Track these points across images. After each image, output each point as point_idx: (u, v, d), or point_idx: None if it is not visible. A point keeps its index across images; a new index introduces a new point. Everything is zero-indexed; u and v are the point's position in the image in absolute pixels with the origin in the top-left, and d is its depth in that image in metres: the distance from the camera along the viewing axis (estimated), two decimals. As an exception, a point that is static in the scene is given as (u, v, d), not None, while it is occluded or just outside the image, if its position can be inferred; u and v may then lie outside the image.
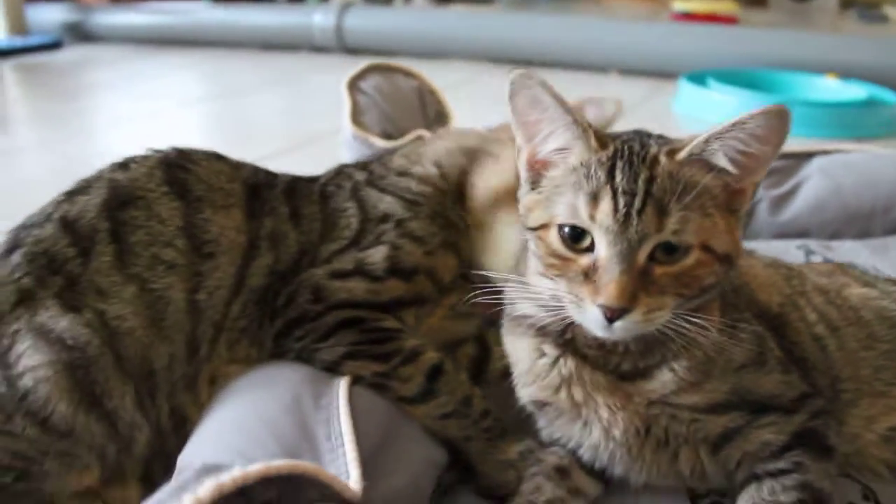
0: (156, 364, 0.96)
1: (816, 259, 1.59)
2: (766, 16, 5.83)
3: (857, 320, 1.02)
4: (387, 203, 1.11)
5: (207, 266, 1.01)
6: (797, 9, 6.18)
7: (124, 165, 1.07)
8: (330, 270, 1.04)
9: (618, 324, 0.77)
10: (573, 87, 3.65)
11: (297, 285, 1.03)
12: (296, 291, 1.03)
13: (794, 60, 3.26)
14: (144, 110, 3.25)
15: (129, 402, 0.93)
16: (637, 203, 0.77)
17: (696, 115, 2.96)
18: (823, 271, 1.13)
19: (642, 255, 0.77)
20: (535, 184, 0.87)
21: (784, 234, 1.71)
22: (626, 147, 0.81)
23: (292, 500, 0.72)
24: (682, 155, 0.80)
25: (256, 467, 0.67)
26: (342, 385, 0.94)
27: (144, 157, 1.08)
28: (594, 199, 0.78)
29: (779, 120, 0.77)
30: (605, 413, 0.86)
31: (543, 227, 0.83)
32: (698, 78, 3.08)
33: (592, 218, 0.78)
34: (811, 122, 2.67)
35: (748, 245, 1.66)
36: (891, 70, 3.24)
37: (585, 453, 0.92)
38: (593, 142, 0.82)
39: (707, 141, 0.79)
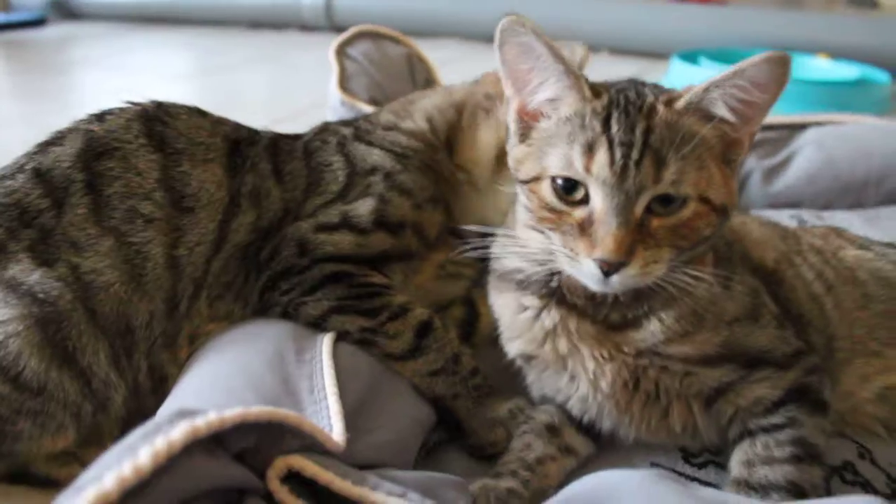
0: (134, 321, 0.93)
1: (809, 228, 1.57)
2: None
3: (852, 280, 1.01)
4: (375, 156, 1.08)
5: (187, 221, 0.98)
6: (788, -7, 6.16)
7: (101, 117, 1.03)
8: (315, 224, 1.01)
9: (614, 277, 0.75)
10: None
11: (282, 239, 1.00)
12: (280, 245, 1.00)
13: (786, 41, 3.23)
14: (129, 86, 3.19)
15: (104, 360, 0.90)
16: (634, 154, 0.74)
17: (688, 93, 2.93)
18: (818, 234, 1.11)
19: (639, 208, 0.75)
20: (524, 135, 0.84)
21: (776, 204, 1.69)
22: (621, 96, 0.79)
23: (271, 450, 0.69)
24: (680, 104, 0.78)
25: (233, 412, 0.64)
26: (326, 340, 0.92)
27: (122, 110, 1.04)
28: (589, 150, 0.75)
29: (780, 67, 0.75)
30: (591, 364, 0.84)
31: (535, 179, 0.80)
32: (690, 57, 3.04)
33: (588, 170, 0.75)
34: (804, 101, 2.64)
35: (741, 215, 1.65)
36: (881, 51, 3.22)
37: (574, 406, 0.90)
38: (587, 91, 0.79)
39: (707, 89, 0.77)
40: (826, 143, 1.71)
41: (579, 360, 0.85)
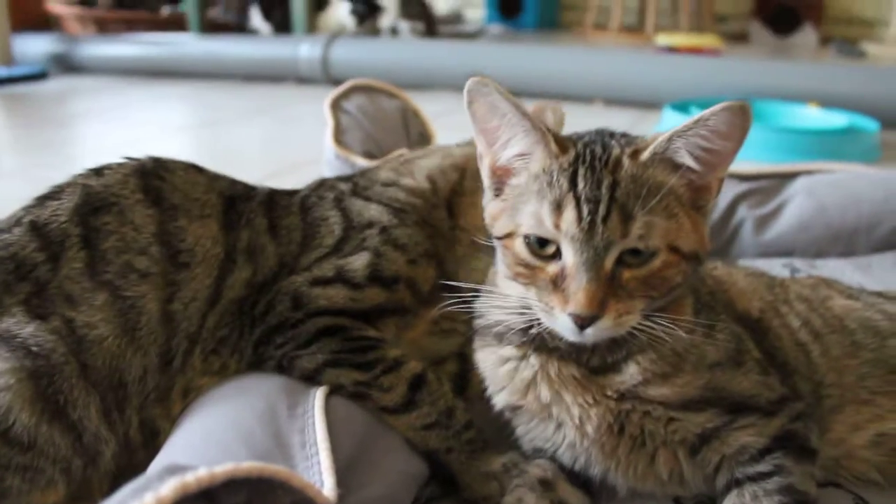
0: (127, 375, 0.94)
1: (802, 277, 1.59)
2: (748, 50, 5.94)
3: (840, 328, 1.02)
4: (373, 210, 1.10)
5: (183, 276, 0.99)
6: (778, 44, 6.31)
7: (98, 171, 1.05)
8: (310, 278, 1.03)
9: (589, 330, 0.77)
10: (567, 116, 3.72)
11: (277, 293, 1.02)
12: (275, 299, 1.01)
13: (777, 90, 3.30)
14: (129, 138, 3.25)
15: (94, 414, 0.90)
16: (601, 210, 0.77)
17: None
18: (807, 283, 1.13)
19: (609, 262, 0.77)
20: (498, 191, 0.87)
21: (769, 253, 1.71)
22: (587, 151, 0.81)
23: (260, 508, 0.69)
24: (645, 156, 0.80)
25: (223, 468, 0.64)
26: (318, 394, 0.93)
27: (120, 164, 1.06)
28: (558, 207, 0.78)
29: (740, 115, 0.77)
30: (576, 410, 0.85)
31: (509, 235, 0.83)
32: (682, 107, 3.11)
33: (557, 227, 0.78)
34: (794, 149, 2.70)
35: (738, 263, 1.67)
36: (869, 99, 3.29)
37: (563, 455, 0.90)
38: (553, 146, 0.82)
39: (670, 139, 0.80)
40: (817, 191, 1.74)
41: (564, 407, 0.86)
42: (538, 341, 0.87)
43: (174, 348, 0.97)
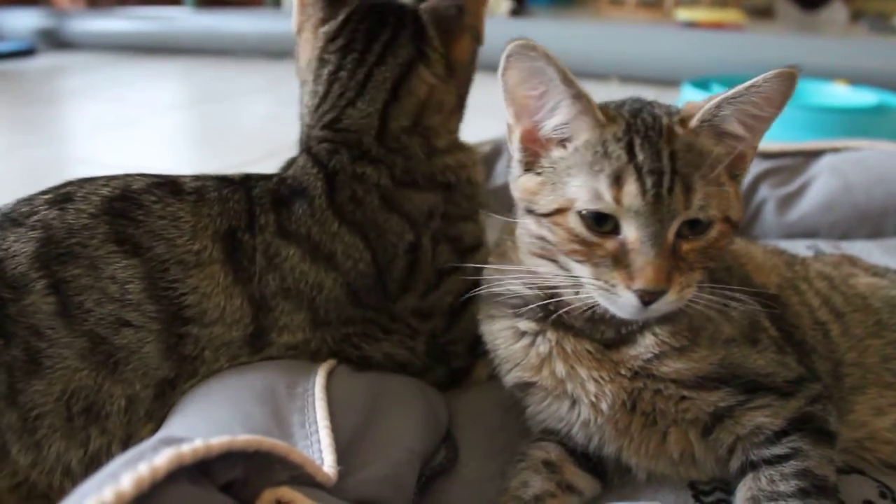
0: (106, 408, 0.92)
1: (826, 259, 1.59)
2: (773, 26, 5.90)
3: (864, 307, 1.02)
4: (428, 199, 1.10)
5: (195, 331, 0.95)
6: (805, 20, 6.26)
7: (62, 204, 0.96)
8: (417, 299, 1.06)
9: (653, 306, 0.78)
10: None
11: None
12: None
13: (804, 68, 3.27)
14: (121, 117, 3.26)
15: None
16: (666, 182, 0.77)
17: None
18: (830, 261, 1.14)
19: (671, 234, 0.78)
20: (530, 164, 0.86)
21: (792, 234, 1.71)
22: (638, 120, 0.81)
23: (259, 481, 0.71)
24: (693, 123, 0.81)
25: (220, 440, 0.66)
26: (320, 373, 0.94)
27: (85, 198, 0.96)
28: (617, 180, 0.77)
29: (789, 81, 0.80)
30: (591, 386, 0.86)
31: (559, 211, 0.81)
32: (702, 84, 3.09)
33: (618, 201, 0.77)
34: (822, 128, 2.68)
35: (760, 243, 1.67)
36: (903, 77, 3.26)
37: (577, 434, 0.91)
38: (600, 115, 0.81)
39: (719, 106, 0.80)
40: (843, 170, 1.73)
41: (579, 383, 0.87)
42: (555, 317, 0.87)
43: (181, 378, 0.95)
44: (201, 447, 0.64)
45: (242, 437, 0.68)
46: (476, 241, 1.12)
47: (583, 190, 0.79)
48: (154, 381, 0.93)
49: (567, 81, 0.80)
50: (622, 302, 0.78)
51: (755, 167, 1.77)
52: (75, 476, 0.91)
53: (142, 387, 0.93)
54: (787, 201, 1.73)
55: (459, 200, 1.11)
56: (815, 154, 1.79)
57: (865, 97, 3.03)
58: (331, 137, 1.08)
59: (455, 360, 1.11)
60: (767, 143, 1.83)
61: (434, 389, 1.08)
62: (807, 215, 1.71)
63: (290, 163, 1.09)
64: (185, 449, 0.63)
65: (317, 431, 0.82)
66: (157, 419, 0.94)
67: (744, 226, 1.73)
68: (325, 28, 1.11)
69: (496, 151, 1.72)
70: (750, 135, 0.83)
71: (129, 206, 0.96)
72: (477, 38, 1.16)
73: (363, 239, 1.03)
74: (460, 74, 1.15)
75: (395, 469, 0.86)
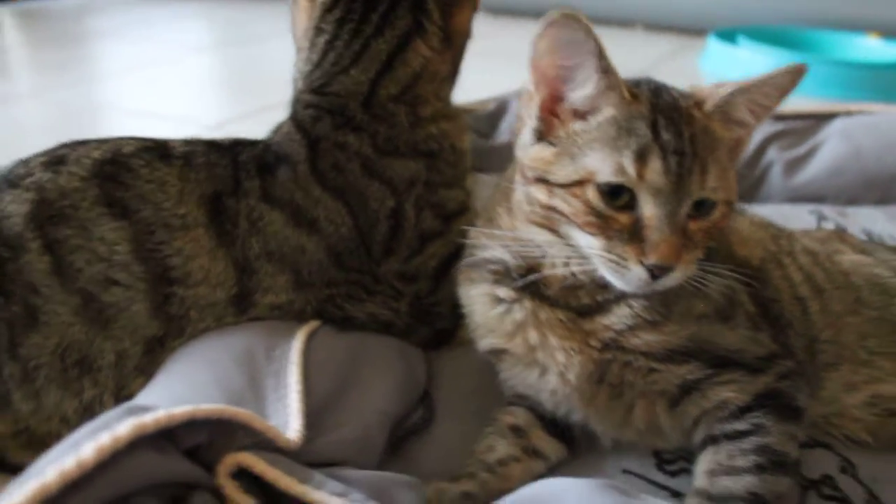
0: (98, 361, 0.95)
1: (829, 225, 1.57)
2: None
3: (845, 284, 1.02)
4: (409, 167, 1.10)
5: (181, 292, 0.98)
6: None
7: (55, 166, 0.99)
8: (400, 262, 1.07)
9: (661, 281, 0.80)
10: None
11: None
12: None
13: (834, 18, 3.16)
14: (148, 58, 3.27)
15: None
16: (686, 163, 0.80)
17: (725, 74, 2.90)
18: (818, 237, 1.12)
19: (684, 213, 0.81)
20: (543, 134, 0.86)
21: (797, 198, 1.69)
22: (660, 101, 0.83)
23: (224, 446, 0.74)
24: (708, 107, 0.84)
25: (183, 409, 0.69)
26: (299, 335, 0.96)
27: (77, 161, 0.99)
28: (641, 157, 0.79)
29: (800, 77, 0.84)
30: (561, 356, 0.88)
31: (578, 183, 0.82)
32: (728, 35, 3.00)
33: (641, 177, 0.79)
34: (846, 84, 2.60)
35: (759, 208, 1.65)
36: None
37: (547, 401, 0.93)
38: (626, 92, 0.82)
39: (733, 94, 0.84)
40: (854, 134, 1.69)
41: (549, 352, 0.88)
42: (533, 286, 0.89)
43: (169, 336, 0.98)
44: (163, 417, 0.67)
45: (205, 407, 0.71)
46: (460, 206, 1.12)
47: (605, 163, 0.80)
48: (143, 338, 0.97)
49: (601, 56, 0.81)
50: (631, 275, 0.80)
51: (764, 129, 1.74)
52: (71, 423, 0.95)
53: (131, 343, 0.96)
54: (795, 165, 1.70)
55: (443, 168, 1.11)
56: (826, 117, 1.75)
57: (897, 51, 2.92)
58: (316, 102, 1.09)
59: (439, 321, 1.13)
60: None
61: (416, 349, 1.10)
62: (814, 180, 1.68)
63: (277, 128, 1.10)
64: (148, 419, 0.66)
65: (286, 396, 0.85)
66: (147, 373, 0.97)
67: (749, 189, 1.71)
68: None
69: (501, 109, 1.71)
70: (755, 122, 0.87)
71: (118, 169, 0.99)
72: (475, 8, 1.14)
73: (345, 204, 1.05)
74: (457, 44, 1.14)
75: (365, 431, 0.89)
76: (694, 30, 3.49)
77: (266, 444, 0.75)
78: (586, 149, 0.82)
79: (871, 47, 2.99)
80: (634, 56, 3.16)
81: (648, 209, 0.80)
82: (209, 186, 1.01)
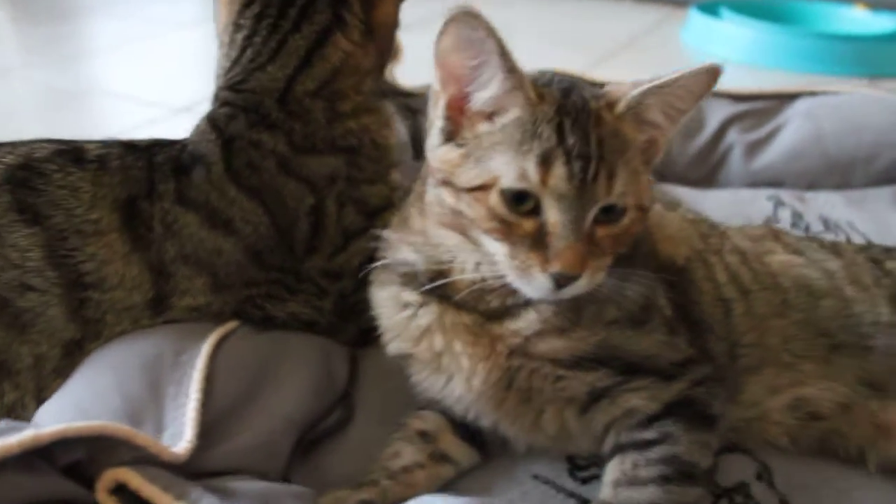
0: (16, 364, 0.93)
1: (785, 212, 1.54)
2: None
3: (773, 286, 0.99)
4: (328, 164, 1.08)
5: (96, 297, 0.96)
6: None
7: None
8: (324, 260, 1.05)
9: (566, 289, 0.77)
10: (581, 13, 3.53)
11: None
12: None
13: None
14: (137, 34, 3.21)
15: None
16: (592, 168, 0.76)
17: (706, 47, 2.83)
18: (752, 235, 1.09)
19: (589, 219, 0.78)
20: (452, 134, 0.83)
21: (757, 182, 1.65)
22: (569, 102, 0.80)
23: (105, 461, 0.73)
24: (619, 109, 0.81)
25: (51, 429, 0.68)
26: (208, 340, 0.95)
27: None
28: (544, 161, 0.76)
29: (714, 77, 0.80)
30: (466, 362, 0.86)
31: (482, 188, 0.79)
32: (710, 8, 2.92)
33: (544, 183, 0.76)
34: (830, 58, 2.53)
35: (717, 193, 1.62)
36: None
37: (454, 406, 0.92)
38: (532, 93, 0.79)
39: (645, 94, 0.80)
40: (816, 115, 1.65)
41: (454, 358, 0.87)
42: (440, 290, 0.86)
43: (86, 339, 0.96)
44: (28, 439, 0.66)
45: (77, 425, 0.70)
46: (384, 202, 1.10)
47: (509, 168, 0.77)
48: (60, 342, 0.96)
49: (504, 56, 0.77)
50: (536, 283, 0.77)
51: (726, 109, 1.70)
52: None
53: (49, 346, 0.95)
54: (755, 147, 1.67)
55: (364, 164, 1.08)
56: (790, 97, 1.70)
57: (886, 23, 2.83)
58: (232, 100, 1.06)
59: (364, 319, 1.11)
60: (742, 83, 1.76)
61: (340, 348, 1.09)
62: (774, 163, 1.65)
63: (196, 127, 1.08)
64: (12, 441, 0.66)
65: (185, 405, 0.84)
66: (65, 375, 0.96)
67: (708, 172, 1.68)
68: None
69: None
70: (669, 124, 0.83)
71: (30, 175, 0.97)
72: None
73: (261, 204, 1.02)
74: (381, 36, 1.11)
75: (269, 437, 0.88)
76: (677, 1, 3.39)
77: (150, 458, 0.74)
78: (491, 152, 0.79)
79: (858, 19, 2.90)
80: (619, 26, 3.09)
81: (552, 215, 0.76)
82: (123, 191, 0.99)
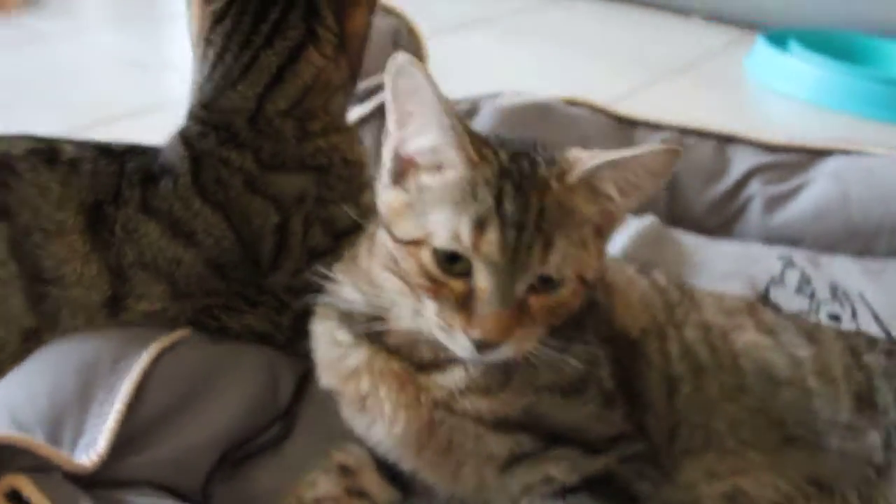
0: None
1: (794, 275, 1.46)
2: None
3: (731, 367, 0.94)
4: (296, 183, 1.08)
5: (55, 293, 0.98)
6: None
7: None
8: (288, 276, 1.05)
9: (489, 355, 0.76)
10: (646, 25, 3.40)
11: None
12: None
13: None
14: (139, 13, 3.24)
15: None
16: (526, 237, 0.74)
17: (769, 81, 2.69)
18: (727, 308, 1.03)
19: (521, 288, 0.76)
20: (399, 177, 0.82)
21: (773, 238, 1.58)
22: (514, 168, 0.78)
23: (9, 464, 0.74)
24: (571, 180, 0.78)
25: (-52, 435, 0.69)
26: (149, 349, 0.95)
27: None
28: (479, 226, 0.74)
29: (674, 158, 0.78)
30: (388, 409, 0.85)
31: (416, 243, 0.78)
32: (779, 38, 2.78)
33: (476, 248, 0.74)
34: (886, 105, 2.37)
35: (726, 245, 1.55)
36: None
37: (376, 447, 0.91)
38: (472, 154, 0.77)
39: (600, 167, 0.78)
40: (845, 178, 1.56)
41: (378, 402, 0.86)
42: (376, 333, 0.86)
43: (43, 330, 0.99)
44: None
45: (-24, 433, 0.71)
46: (352, 224, 1.08)
47: (443, 227, 0.76)
48: (19, 328, 0.99)
49: (444, 111, 0.75)
50: (458, 343, 0.76)
51: (752, 159, 1.62)
52: None
53: (6, 332, 0.98)
54: (777, 202, 1.59)
55: (334, 183, 1.08)
56: (821, 154, 1.61)
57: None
58: (204, 118, 1.07)
59: None
60: (774, 133, 1.67)
61: (288, 363, 1.08)
62: (794, 220, 1.57)
63: (170, 137, 1.09)
64: None
65: (108, 412, 0.85)
66: (21, 361, 0.98)
67: (725, 222, 1.61)
68: (213, 6, 1.06)
69: (473, 110, 1.64)
70: (624, 199, 0.80)
71: (3, 171, 1.00)
72: (371, 8, 1.09)
73: (225, 219, 1.03)
74: (353, 48, 1.09)
75: (186, 453, 0.89)
76: (750, 24, 3.23)
77: (52, 466, 0.76)
78: (429, 207, 0.78)
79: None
80: (682, 45, 2.98)
81: (481, 280, 0.74)
82: (91, 195, 1.01)
